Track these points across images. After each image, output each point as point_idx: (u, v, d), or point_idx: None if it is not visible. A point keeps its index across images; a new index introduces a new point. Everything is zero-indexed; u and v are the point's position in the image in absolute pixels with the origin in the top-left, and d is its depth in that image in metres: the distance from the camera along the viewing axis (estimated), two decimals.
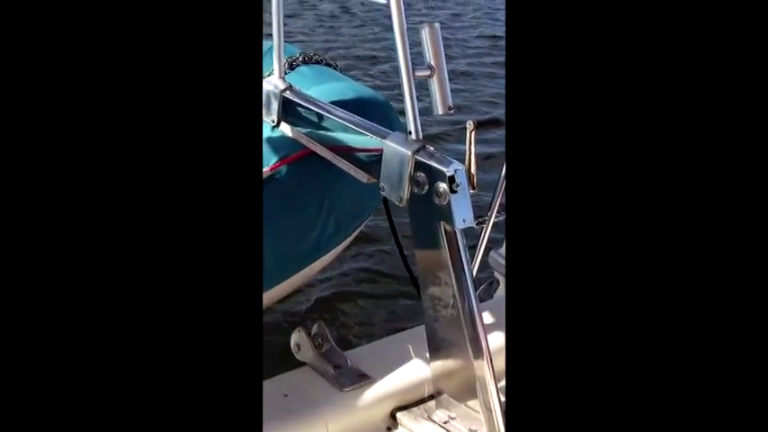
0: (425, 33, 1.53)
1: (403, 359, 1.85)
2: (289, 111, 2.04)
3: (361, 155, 1.80)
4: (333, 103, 2.02)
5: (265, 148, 2.04)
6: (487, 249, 2.05)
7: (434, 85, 1.54)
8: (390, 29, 1.54)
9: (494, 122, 5.94)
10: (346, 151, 1.86)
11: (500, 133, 5.03)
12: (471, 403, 1.60)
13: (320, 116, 1.92)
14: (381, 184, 1.66)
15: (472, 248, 1.60)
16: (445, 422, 1.68)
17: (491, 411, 1.54)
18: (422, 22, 1.55)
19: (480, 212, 1.70)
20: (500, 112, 6.27)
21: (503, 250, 2.57)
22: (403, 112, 1.62)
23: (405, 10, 1.52)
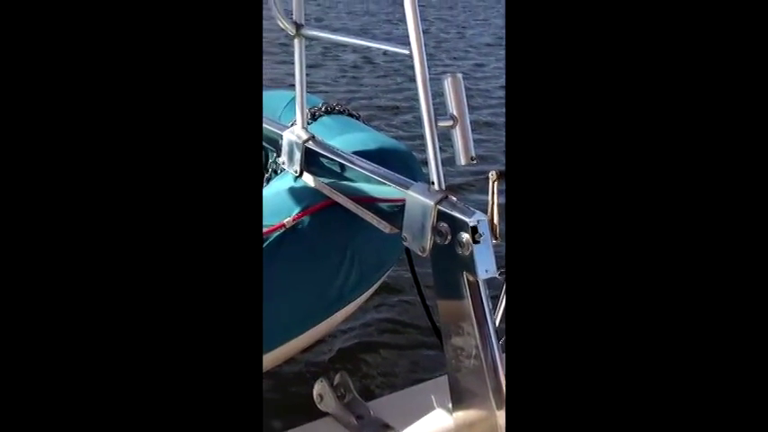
0: (448, 84, 1.53)
1: (425, 410, 1.83)
2: (311, 161, 2.05)
3: (383, 205, 1.80)
4: (355, 153, 2.03)
5: (288, 199, 2.05)
6: None
7: (457, 135, 1.54)
8: (413, 79, 1.54)
9: None
10: (369, 201, 1.86)
11: None
12: None
13: (343, 166, 1.93)
14: (404, 234, 1.66)
15: (495, 299, 1.59)
16: None
17: None
18: (444, 73, 1.55)
19: (503, 263, 1.70)
20: None
21: None
22: (425, 163, 1.62)
23: (427, 60, 1.52)
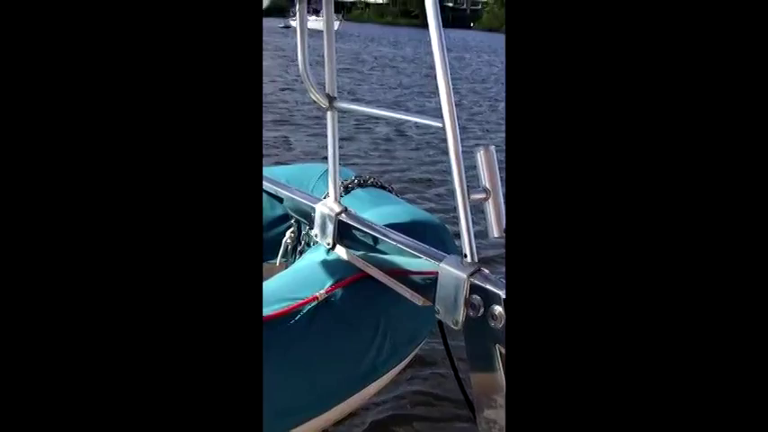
0: (481, 156, 1.54)
1: None
2: (344, 234, 2.06)
3: (416, 278, 1.80)
4: (388, 225, 2.03)
5: (321, 271, 2.06)
6: None
7: (490, 207, 1.54)
8: (445, 152, 1.55)
9: None
10: (401, 274, 1.86)
11: None
12: None
13: (375, 239, 1.93)
14: (437, 306, 1.65)
15: None
16: None
17: None
18: (477, 145, 1.55)
19: None
20: None
21: None
22: (458, 235, 1.62)
23: (460, 133, 1.53)
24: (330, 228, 2.10)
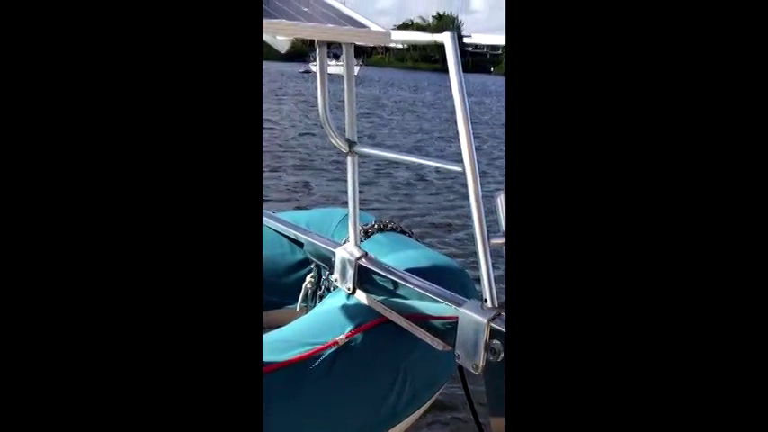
0: (501, 201, 1.54)
1: None
2: (364, 278, 2.06)
3: (436, 322, 1.80)
4: (408, 270, 2.03)
5: (341, 316, 2.05)
6: None
7: None
8: (466, 196, 1.56)
9: None
10: (421, 319, 1.86)
11: None
12: None
13: (395, 284, 1.93)
14: (457, 351, 1.65)
15: None
16: None
17: None
18: (497, 190, 1.56)
19: None
20: None
21: None
22: (478, 280, 1.62)
23: (480, 178, 1.53)
24: (350, 272, 2.11)
